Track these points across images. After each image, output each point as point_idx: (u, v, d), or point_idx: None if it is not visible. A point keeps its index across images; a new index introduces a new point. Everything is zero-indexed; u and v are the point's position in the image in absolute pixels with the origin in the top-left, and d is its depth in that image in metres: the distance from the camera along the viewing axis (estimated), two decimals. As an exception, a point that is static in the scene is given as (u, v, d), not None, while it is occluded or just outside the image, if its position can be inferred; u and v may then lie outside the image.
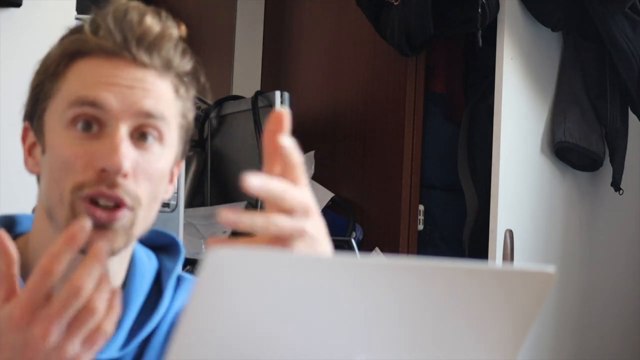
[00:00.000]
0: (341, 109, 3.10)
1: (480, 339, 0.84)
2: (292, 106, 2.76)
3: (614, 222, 2.77)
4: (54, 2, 2.14)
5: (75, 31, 1.04)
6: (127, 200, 0.99)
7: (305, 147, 3.50)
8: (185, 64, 1.05)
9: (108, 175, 0.98)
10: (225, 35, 3.54)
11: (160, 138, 1.02)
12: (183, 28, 1.07)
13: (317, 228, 0.87)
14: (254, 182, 0.82)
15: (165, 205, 2.22)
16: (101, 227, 0.99)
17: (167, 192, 1.06)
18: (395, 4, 2.70)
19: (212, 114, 3.06)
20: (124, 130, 0.99)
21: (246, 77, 3.48)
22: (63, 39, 1.06)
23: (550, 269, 0.83)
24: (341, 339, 0.79)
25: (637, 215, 2.81)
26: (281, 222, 0.84)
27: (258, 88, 3.38)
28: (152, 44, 1.02)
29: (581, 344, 2.68)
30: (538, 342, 2.54)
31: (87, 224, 0.85)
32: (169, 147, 1.04)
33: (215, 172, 3.04)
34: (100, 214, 0.98)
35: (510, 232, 2.48)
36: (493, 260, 2.45)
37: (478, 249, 2.63)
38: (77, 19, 2.23)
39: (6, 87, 2.04)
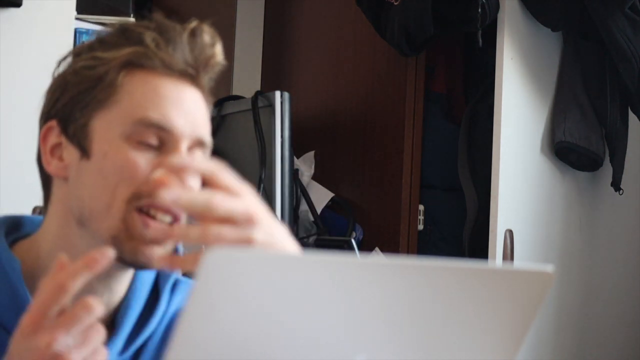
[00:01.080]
0: (341, 109, 3.10)
1: (480, 338, 0.84)
2: (292, 106, 2.76)
3: (614, 222, 2.77)
4: (54, 2, 2.14)
5: (134, 41, 1.02)
6: (182, 215, 0.99)
7: (305, 147, 3.51)
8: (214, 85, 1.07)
9: None
10: (225, 35, 3.53)
11: None
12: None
13: (270, 234, 0.88)
14: (167, 195, 0.84)
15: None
16: (156, 243, 0.99)
17: None
18: (395, 4, 2.70)
19: (212, 114, 3.06)
20: (185, 150, 1.00)
21: (246, 77, 3.48)
22: (114, 44, 1.03)
23: (550, 268, 0.83)
24: (341, 339, 0.79)
25: (637, 215, 2.81)
26: (220, 232, 0.85)
27: (258, 88, 3.38)
28: (213, 70, 1.04)
29: (581, 344, 2.68)
30: (538, 342, 2.54)
31: (112, 254, 0.85)
32: None
33: (215, 172, 3.04)
34: (156, 227, 0.98)
35: (510, 232, 2.48)
36: (493, 260, 2.45)
37: (478, 249, 2.63)
38: (77, 19, 2.23)
39: (6, 87, 2.04)
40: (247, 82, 3.43)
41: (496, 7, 2.53)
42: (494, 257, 2.46)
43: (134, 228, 0.98)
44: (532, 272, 0.84)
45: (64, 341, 0.83)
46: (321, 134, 3.15)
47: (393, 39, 2.75)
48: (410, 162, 2.85)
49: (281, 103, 2.74)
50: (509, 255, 2.47)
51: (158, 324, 1.09)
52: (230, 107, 3.02)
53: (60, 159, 1.03)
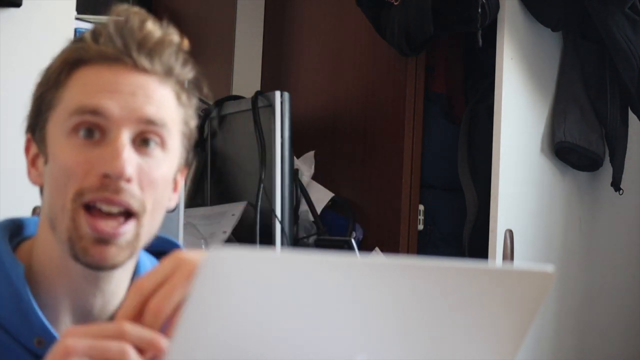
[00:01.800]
0: (341, 109, 3.10)
1: (480, 338, 0.84)
2: (292, 106, 2.76)
3: (614, 222, 2.77)
4: (54, 2, 2.14)
5: (77, 40, 1.04)
6: (134, 204, 0.98)
7: (305, 147, 3.51)
8: (187, 72, 1.04)
9: (111, 181, 0.97)
10: (225, 35, 3.54)
11: (162, 144, 1.02)
12: (186, 41, 1.07)
13: None
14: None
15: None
16: (103, 242, 0.98)
17: (171, 200, 1.06)
18: (395, 4, 2.70)
19: (212, 114, 3.06)
20: (125, 136, 0.98)
21: (246, 77, 3.47)
22: (64, 49, 1.05)
23: (550, 268, 0.83)
24: (341, 339, 0.79)
25: (637, 215, 2.81)
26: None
27: (258, 88, 3.38)
28: (153, 50, 1.01)
29: (581, 344, 2.68)
30: (538, 342, 2.54)
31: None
32: (171, 153, 1.03)
33: (215, 172, 3.04)
34: (104, 227, 0.97)
35: (510, 232, 2.48)
36: (493, 260, 2.45)
37: (478, 249, 2.63)
38: (77, 19, 2.23)
39: (6, 87, 2.04)
40: (247, 82, 3.43)
41: (496, 7, 2.53)
42: (494, 257, 2.46)
43: (80, 228, 0.98)
44: (532, 272, 0.84)
45: None
46: (321, 134, 3.15)
47: (393, 39, 2.75)
48: (410, 162, 2.85)
49: (281, 103, 2.73)
50: (509, 255, 2.47)
51: None
52: (230, 107, 3.01)
53: (37, 168, 1.05)
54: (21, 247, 1.07)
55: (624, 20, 2.49)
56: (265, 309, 0.75)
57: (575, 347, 2.67)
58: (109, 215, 0.98)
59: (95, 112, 0.98)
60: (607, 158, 2.63)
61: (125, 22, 1.01)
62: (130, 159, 0.98)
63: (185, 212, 2.38)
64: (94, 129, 0.99)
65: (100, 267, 1.00)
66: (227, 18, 3.53)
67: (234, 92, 3.33)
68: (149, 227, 1.02)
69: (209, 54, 3.53)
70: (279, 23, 3.47)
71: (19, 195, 1.87)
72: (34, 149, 1.05)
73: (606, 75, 2.59)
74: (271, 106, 2.75)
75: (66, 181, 0.98)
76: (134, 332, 0.83)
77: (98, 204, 0.98)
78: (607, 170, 2.64)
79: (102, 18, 2.46)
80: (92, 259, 0.98)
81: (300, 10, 3.37)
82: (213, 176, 3.03)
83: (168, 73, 1.02)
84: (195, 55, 1.08)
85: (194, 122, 1.07)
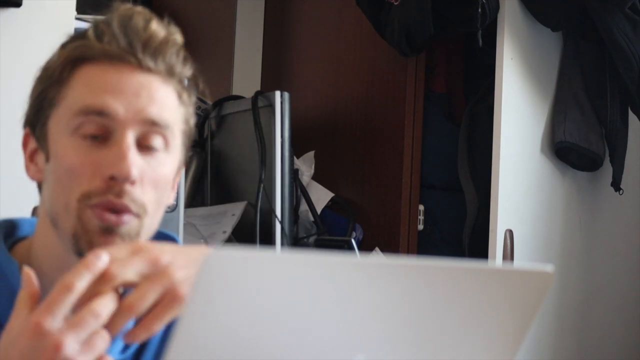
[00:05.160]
0: (341, 109, 3.10)
1: (480, 338, 0.84)
2: (292, 106, 2.76)
3: (614, 222, 2.77)
4: (54, 2, 2.14)
5: (78, 37, 1.04)
6: (133, 207, 0.99)
7: (305, 147, 3.50)
8: (187, 70, 1.05)
9: (116, 183, 0.98)
10: (225, 35, 3.54)
11: (166, 145, 1.02)
12: (181, 36, 1.08)
13: (184, 265, 0.92)
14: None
15: (165, 205, 2.21)
16: (108, 231, 0.99)
17: (169, 198, 1.07)
18: (395, 4, 2.70)
19: (212, 114, 3.06)
20: (130, 138, 0.99)
21: (246, 77, 3.48)
22: (65, 45, 1.05)
23: (549, 268, 0.83)
24: (341, 339, 0.79)
25: (637, 215, 2.81)
26: (143, 296, 0.90)
27: (258, 88, 3.38)
28: (157, 49, 1.02)
29: (581, 344, 2.68)
30: (538, 342, 2.54)
31: (105, 258, 0.86)
32: (173, 153, 1.04)
33: (215, 172, 3.04)
34: (109, 216, 0.98)
35: (510, 232, 2.48)
36: (493, 260, 2.45)
37: (478, 249, 2.63)
38: (77, 18, 2.23)
39: (6, 87, 2.04)
40: (247, 82, 3.43)
41: (496, 7, 2.53)
42: (494, 257, 2.46)
43: (88, 223, 0.98)
44: (532, 272, 0.84)
45: (71, 346, 0.83)
46: (321, 134, 3.15)
47: (393, 39, 2.75)
48: (410, 162, 2.85)
49: (281, 103, 2.73)
50: (509, 255, 2.47)
51: None
52: (230, 107, 3.02)
53: (36, 163, 1.05)
54: (17, 247, 1.07)
55: (624, 20, 2.49)
56: (265, 308, 0.75)
57: (575, 347, 2.67)
58: (113, 212, 0.99)
59: (100, 113, 0.99)
60: (607, 158, 2.63)
61: (129, 20, 1.01)
62: (135, 161, 0.99)
63: (185, 212, 2.38)
64: (98, 130, 0.99)
65: None
66: (227, 18, 3.53)
67: (234, 92, 3.33)
68: (150, 226, 1.03)
69: (209, 54, 3.53)
70: (279, 23, 3.47)
71: (18, 195, 1.87)
72: (32, 144, 1.06)
73: (606, 75, 2.59)
74: (271, 106, 2.75)
75: (70, 181, 0.99)
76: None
77: (104, 207, 0.99)
78: (607, 170, 2.64)
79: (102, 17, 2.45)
80: (97, 248, 0.99)
81: (300, 10, 3.37)
82: (213, 176, 3.04)
83: (170, 72, 1.03)
84: (195, 55, 1.08)
85: (193, 120, 1.08)
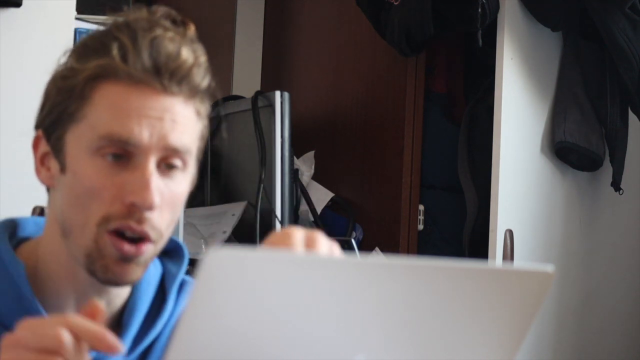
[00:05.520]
0: (341, 108, 3.10)
1: (480, 338, 0.84)
2: (292, 106, 2.76)
3: (614, 222, 2.77)
4: (54, 2, 2.14)
5: (100, 50, 1.01)
6: (152, 235, 1.00)
7: (305, 147, 3.50)
8: (206, 83, 1.04)
9: (137, 210, 0.98)
10: (225, 35, 3.54)
11: (184, 167, 1.03)
12: (192, 29, 1.07)
13: None
14: None
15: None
16: (126, 260, 0.99)
17: (180, 212, 1.07)
18: (395, 4, 2.70)
19: (212, 114, 3.06)
20: (153, 164, 0.99)
21: (246, 77, 3.47)
22: (86, 55, 1.02)
23: (549, 268, 0.83)
24: (341, 339, 0.79)
25: (637, 215, 2.81)
26: None
27: (258, 88, 3.38)
28: (184, 76, 1.01)
29: (581, 344, 2.68)
30: (538, 342, 2.54)
31: (102, 309, 0.86)
32: (189, 171, 1.04)
33: (215, 172, 3.04)
34: (129, 248, 0.99)
35: (510, 232, 2.48)
36: (493, 260, 2.45)
37: (478, 249, 2.63)
38: (77, 19, 2.23)
39: (6, 86, 2.04)
40: (247, 82, 3.43)
41: (496, 7, 2.53)
42: (494, 257, 2.46)
43: (105, 249, 0.99)
44: (532, 272, 0.84)
45: None
46: (321, 134, 3.15)
47: (393, 39, 2.75)
48: (410, 162, 2.85)
49: (281, 103, 2.74)
50: (509, 255, 2.46)
51: (165, 324, 1.09)
52: (230, 107, 3.01)
53: (48, 168, 1.04)
54: (22, 247, 1.07)
55: (624, 20, 2.49)
56: (265, 308, 0.75)
57: (575, 347, 2.67)
58: (132, 240, 1.00)
59: (127, 142, 0.98)
60: (607, 158, 2.63)
61: (159, 46, 1.00)
62: (157, 189, 0.99)
63: (185, 212, 2.38)
64: (120, 150, 0.99)
65: (117, 284, 1.02)
66: (227, 18, 3.53)
67: (234, 92, 3.33)
68: (162, 245, 1.04)
69: (209, 54, 3.52)
70: (279, 23, 3.47)
71: (18, 195, 1.87)
72: (44, 147, 1.04)
73: (606, 75, 2.59)
74: (271, 106, 2.75)
75: (90, 201, 0.99)
76: (78, 323, 0.84)
77: (123, 230, 0.99)
78: (607, 170, 2.64)
79: (102, 18, 2.47)
80: (112, 275, 1.00)
81: (300, 10, 3.37)
82: (213, 176, 3.03)
83: (193, 93, 1.02)
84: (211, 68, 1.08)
85: (206, 131, 1.08)
